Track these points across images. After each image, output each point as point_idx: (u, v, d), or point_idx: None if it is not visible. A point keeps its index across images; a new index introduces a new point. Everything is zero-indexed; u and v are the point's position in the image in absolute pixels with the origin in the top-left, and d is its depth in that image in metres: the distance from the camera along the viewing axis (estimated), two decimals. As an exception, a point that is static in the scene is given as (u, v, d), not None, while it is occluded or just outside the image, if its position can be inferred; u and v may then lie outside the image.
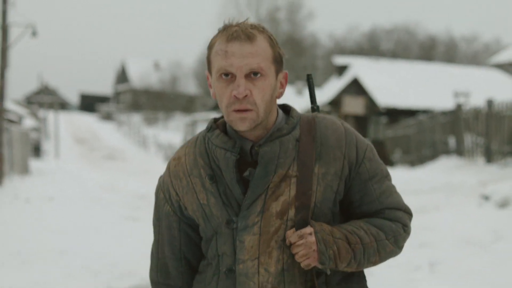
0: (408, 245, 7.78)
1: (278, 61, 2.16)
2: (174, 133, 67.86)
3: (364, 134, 36.34)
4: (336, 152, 2.19)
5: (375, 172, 2.23)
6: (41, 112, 65.96)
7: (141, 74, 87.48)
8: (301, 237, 2.10)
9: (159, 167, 35.15)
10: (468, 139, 21.47)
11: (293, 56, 75.45)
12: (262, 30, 2.14)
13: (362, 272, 2.30)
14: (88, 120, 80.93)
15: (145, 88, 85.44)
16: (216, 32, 2.19)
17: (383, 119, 34.97)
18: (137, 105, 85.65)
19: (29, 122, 50.99)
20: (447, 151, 23.21)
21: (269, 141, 2.15)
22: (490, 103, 20.16)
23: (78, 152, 47.93)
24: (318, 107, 2.43)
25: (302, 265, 2.12)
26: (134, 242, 10.27)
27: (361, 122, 37.13)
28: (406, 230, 2.25)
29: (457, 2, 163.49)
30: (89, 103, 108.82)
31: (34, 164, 30.34)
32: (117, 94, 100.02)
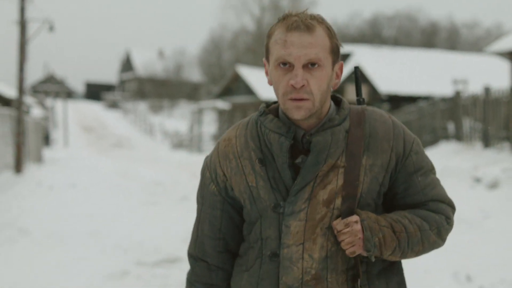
0: None
1: (335, 52, 2.17)
2: (179, 120, 68.53)
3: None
4: (384, 144, 2.21)
5: (420, 165, 2.25)
6: (48, 101, 66.71)
7: (146, 63, 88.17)
8: (347, 225, 2.12)
9: (166, 155, 36.05)
10: (467, 125, 22.21)
11: None
12: (321, 21, 2.15)
13: (400, 264, 2.33)
14: (94, 109, 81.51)
15: (150, 76, 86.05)
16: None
17: (386, 106, 35.75)
18: (142, 93, 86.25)
19: (37, 112, 51.77)
20: (446, 137, 23.93)
21: (321, 131, 2.17)
22: (487, 90, 20.93)
23: (86, 140, 48.67)
24: (363, 99, 2.45)
25: (347, 252, 2.14)
26: (156, 223, 11.20)
27: (362, 110, 37.89)
28: (449, 222, 2.27)
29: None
30: (94, 92, 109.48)
31: (45, 153, 31.24)
32: (122, 83, 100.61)
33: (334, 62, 2.17)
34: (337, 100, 2.30)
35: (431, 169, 2.27)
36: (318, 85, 2.10)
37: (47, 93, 77.37)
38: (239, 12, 79.88)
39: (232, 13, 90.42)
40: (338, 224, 2.12)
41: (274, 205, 2.18)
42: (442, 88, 33.93)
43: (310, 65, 2.09)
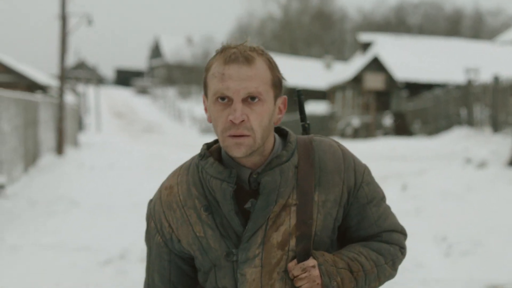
0: (401, 196, 10.56)
1: (277, 85, 2.06)
2: (207, 106, 69.95)
3: (386, 108, 38.55)
4: (335, 177, 2.11)
5: (373, 195, 2.18)
6: (80, 87, 68.54)
7: (174, 49, 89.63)
8: (304, 270, 2.04)
9: (195, 140, 37.54)
10: (478, 112, 23.58)
11: (322, 30, 76.93)
12: (261, 52, 2.05)
13: None
14: (124, 95, 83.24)
15: (178, 62, 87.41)
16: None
17: (404, 93, 37.09)
18: (171, 79, 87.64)
19: (69, 98, 53.51)
20: (459, 122, 25.24)
21: (269, 170, 2.05)
22: (496, 79, 22.31)
23: (117, 125, 50.25)
24: (309, 124, 2.37)
25: None
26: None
27: (381, 97, 39.35)
28: (403, 252, 2.22)
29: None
30: (124, 78, 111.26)
31: (80, 137, 33.04)
32: (152, 69, 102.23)
33: (276, 96, 2.06)
34: (282, 132, 2.19)
35: (382, 198, 2.21)
36: (259, 120, 1.99)
37: (77, 79, 79.24)
38: (266, 0, 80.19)
39: (259, 1, 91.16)
40: (295, 269, 2.04)
41: (226, 254, 2.06)
42: (458, 76, 35.15)
43: (250, 99, 1.98)
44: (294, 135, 2.17)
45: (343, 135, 36.71)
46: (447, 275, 7.32)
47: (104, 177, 15.71)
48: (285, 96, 2.14)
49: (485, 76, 28.32)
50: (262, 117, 2.00)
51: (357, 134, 35.41)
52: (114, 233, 9.50)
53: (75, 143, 28.78)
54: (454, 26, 75.49)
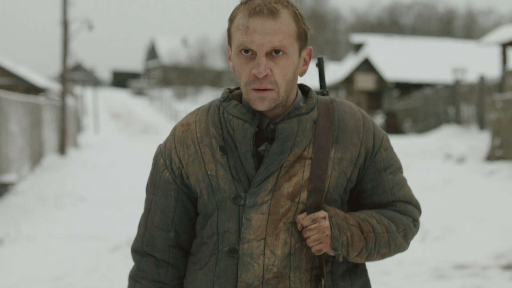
0: None
1: (302, 38, 2.02)
2: (203, 107, 70.64)
3: (377, 107, 39.49)
4: (354, 137, 2.08)
5: (390, 162, 2.14)
6: (77, 89, 69.13)
7: (170, 51, 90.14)
8: (314, 220, 1.97)
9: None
10: (465, 110, 24.45)
11: (316, 30, 77.66)
12: (286, 4, 1.98)
13: (365, 266, 2.20)
14: (121, 96, 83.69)
15: (174, 64, 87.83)
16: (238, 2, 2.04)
17: (395, 93, 38.01)
18: (167, 80, 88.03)
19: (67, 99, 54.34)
20: (448, 121, 26.12)
21: (287, 119, 2.02)
22: (482, 79, 23.21)
23: (115, 126, 50.77)
24: (327, 92, 2.31)
25: (313, 250, 2.00)
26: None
27: (373, 97, 40.31)
28: (416, 225, 2.17)
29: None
30: (121, 80, 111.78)
31: (79, 138, 33.86)
32: (148, 71, 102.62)
33: (301, 48, 2.03)
34: (304, 89, 2.16)
35: (399, 168, 2.17)
36: (283, 74, 1.96)
37: (74, 82, 79.81)
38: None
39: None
40: (304, 219, 1.99)
41: (234, 196, 2.02)
42: (447, 76, 36.11)
43: (274, 53, 1.95)
44: (316, 93, 2.15)
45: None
46: (420, 257, 8.18)
47: (107, 175, 16.59)
48: (311, 47, 2.10)
49: (472, 76, 29.20)
50: (286, 71, 1.97)
51: (349, 132, 36.13)
52: (119, 223, 10.37)
53: (75, 144, 29.58)
54: (446, 26, 76.39)
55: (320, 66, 2.34)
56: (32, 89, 41.34)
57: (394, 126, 33.97)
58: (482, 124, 22.63)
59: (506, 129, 13.10)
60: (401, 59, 40.98)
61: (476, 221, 9.35)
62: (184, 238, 2.17)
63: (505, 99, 13.52)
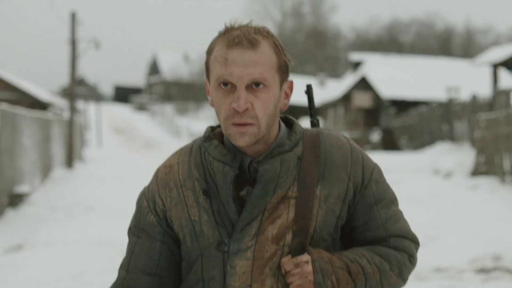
0: None
1: (283, 70, 1.95)
2: (204, 122, 71.42)
3: (374, 124, 40.44)
4: (341, 172, 1.99)
5: (381, 195, 2.05)
6: (80, 104, 69.87)
7: (172, 66, 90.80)
8: (297, 265, 1.91)
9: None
10: (458, 128, 25.29)
11: (316, 47, 77.66)
12: (266, 35, 1.93)
13: None
14: (123, 111, 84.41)
15: (176, 79, 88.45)
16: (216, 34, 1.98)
17: (392, 110, 38.94)
18: (169, 96, 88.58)
19: (68, 114, 54.93)
20: (442, 137, 26.95)
21: (270, 158, 1.94)
22: (474, 98, 24.09)
23: (118, 141, 51.42)
24: (318, 120, 2.25)
25: None
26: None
27: (370, 114, 41.25)
28: (412, 261, 2.07)
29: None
30: (122, 95, 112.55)
31: (83, 152, 34.68)
32: (150, 86, 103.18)
33: (282, 81, 1.96)
34: (288, 122, 2.10)
35: (393, 200, 2.09)
36: (263, 108, 1.89)
37: (77, 96, 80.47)
38: (262, 18, 79.53)
39: (255, 19, 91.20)
40: (287, 264, 1.92)
41: (218, 243, 1.96)
42: (442, 94, 36.99)
43: (255, 86, 1.88)
44: (301, 126, 2.06)
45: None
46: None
47: (114, 187, 17.45)
48: (292, 80, 2.03)
49: (465, 94, 30.08)
50: (267, 104, 1.90)
51: (346, 149, 37.05)
52: (124, 235, 11.23)
53: (81, 158, 30.38)
54: (445, 44, 77.07)
55: (309, 93, 2.27)
56: (36, 104, 41.95)
57: (390, 143, 34.89)
58: (474, 141, 23.49)
59: (490, 146, 13.98)
60: (398, 77, 41.96)
61: (457, 230, 10.19)
62: (168, 282, 2.09)
63: (489, 119, 14.41)
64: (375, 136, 35.62)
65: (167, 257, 2.08)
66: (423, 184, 14.08)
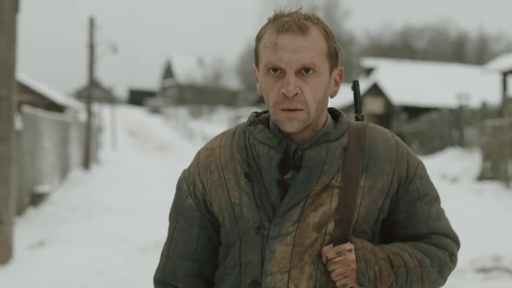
0: None
1: (333, 56, 1.95)
2: (218, 126, 71.77)
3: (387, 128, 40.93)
4: (385, 165, 1.99)
5: (425, 192, 2.04)
6: (96, 107, 70.31)
7: (186, 70, 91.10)
8: (339, 253, 1.90)
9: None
10: (468, 134, 25.64)
11: None
12: (316, 21, 1.92)
13: None
14: (137, 114, 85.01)
15: (190, 83, 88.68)
16: (264, 23, 1.98)
17: (404, 116, 39.35)
18: (183, 99, 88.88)
19: (83, 116, 55.50)
20: (452, 143, 27.36)
21: (316, 145, 1.93)
22: (484, 104, 24.46)
23: (132, 143, 51.89)
24: (363, 116, 2.24)
25: (337, 284, 1.92)
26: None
27: (382, 119, 41.68)
28: (453, 259, 2.06)
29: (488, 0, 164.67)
30: (137, 98, 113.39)
31: (99, 154, 35.22)
32: (164, 89, 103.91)
33: (332, 68, 1.96)
34: (335, 113, 2.09)
35: (436, 198, 2.08)
36: (313, 94, 1.88)
37: (92, 99, 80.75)
38: None
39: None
40: (329, 252, 1.90)
41: (257, 226, 1.94)
42: (453, 100, 37.38)
43: (304, 71, 1.87)
44: (347, 118, 2.06)
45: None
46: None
47: (130, 189, 17.97)
48: (341, 68, 2.04)
49: (476, 101, 30.43)
50: (317, 90, 1.90)
51: (357, 153, 37.63)
52: (145, 229, 11.70)
53: (96, 160, 30.95)
54: (458, 50, 77.14)
55: (356, 89, 2.28)
56: (53, 106, 42.40)
57: (402, 148, 35.17)
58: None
59: (495, 152, 14.39)
60: (410, 83, 42.38)
61: (460, 233, 10.56)
62: (207, 268, 2.10)
63: (494, 126, 14.84)
64: (387, 141, 35.97)
65: (205, 242, 2.07)
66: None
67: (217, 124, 74.25)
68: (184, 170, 2.15)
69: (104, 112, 71.36)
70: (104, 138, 55.82)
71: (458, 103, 29.71)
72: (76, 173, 22.20)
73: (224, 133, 2.12)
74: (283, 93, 1.86)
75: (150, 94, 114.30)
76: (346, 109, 46.11)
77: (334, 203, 1.93)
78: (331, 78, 1.97)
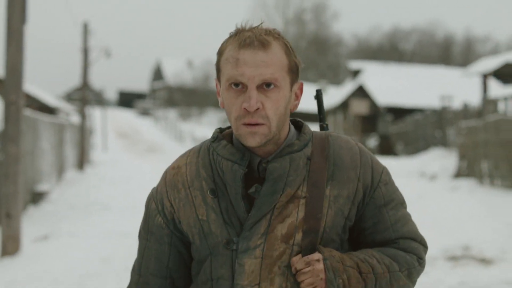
0: None
1: (293, 71, 1.98)
2: (207, 127, 72.14)
3: (372, 130, 41.79)
4: (350, 173, 2.02)
5: (390, 197, 2.07)
6: (86, 109, 70.56)
7: (175, 72, 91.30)
8: (308, 263, 1.92)
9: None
10: (450, 134, 26.49)
11: (318, 55, 77.54)
12: (277, 36, 1.96)
13: None
14: (127, 116, 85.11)
15: (179, 85, 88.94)
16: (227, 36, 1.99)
17: (389, 117, 40.26)
18: (172, 101, 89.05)
19: (75, 119, 55.85)
20: (436, 143, 28.29)
21: (279, 157, 1.97)
22: (465, 106, 25.33)
23: (122, 145, 52.10)
24: (327, 125, 2.29)
25: None
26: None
27: (367, 121, 42.64)
28: (421, 263, 2.09)
29: (475, 2, 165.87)
30: (126, 100, 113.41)
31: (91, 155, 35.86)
32: (153, 91, 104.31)
33: (292, 82, 1.99)
34: (298, 124, 2.11)
35: (402, 203, 2.12)
36: (274, 108, 1.91)
37: (83, 101, 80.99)
38: (264, 25, 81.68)
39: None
40: (298, 263, 1.93)
41: (226, 241, 1.97)
42: (437, 101, 38.31)
43: (265, 86, 1.91)
44: (310, 128, 2.09)
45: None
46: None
47: (124, 188, 18.74)
48: (302, 82, 2.06)
49: (458, 102, 31.34)
50: (278, 105, 1.93)
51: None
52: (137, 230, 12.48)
53: (89, 161, 31.64)
54: (444, 52, 78.08)
55: (319, 98, 2.30)
56: (44, 109, 42.83)
57: (387, 148, 36.14)
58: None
59: (469, 151, 15.28)
60: (395, 85, 43.32)
61: (435, 226, 11.46)
62: (179, 284, 2.14)
63: (469, 127, 15.74)
64: (372, 141, 36.91)
65: (176, 259, 2.11)
66: (410, 185, 15.36)
67: (206, 126, 74.62)
68: (153, 188, 2.20)
69: (95, 114, 71.69)
70: (95, 139, 56.20)
71: (441, 104, 30.58)
72: (71, 173, 22.96)
73: (189, 151, 2.16)
74: (244, 108, 1.90)
75: (139, 96, 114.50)
76: (333, 110, 47.08)
77: (301, 214, 1.96)
78: (291, 93, 2.01)
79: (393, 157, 30.85)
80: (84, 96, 25.30)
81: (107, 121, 66.82)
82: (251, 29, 1.96)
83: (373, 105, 42.37)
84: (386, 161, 26.26)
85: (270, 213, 1.95)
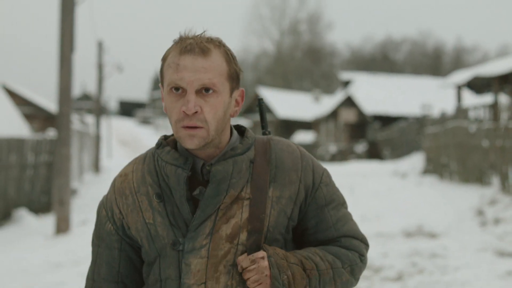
0: (349, 195, 17.14)
1: (233, 78, 2.03)
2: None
3: (360, 137, 44.48)
4: (292, 175, 2.09)
5: (331, 198, 2.15)
6: (89, 118, 72.08)
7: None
8: (253, 261, 2.00)
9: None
10: (427, 140, 29.10)
11: (313, 64, 79.43)
12: (218, 44, 2.02)
13: None
14: (128, 125, 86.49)
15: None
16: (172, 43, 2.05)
17: (377, 125, 42.93)
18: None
19: (78, 127, 57.52)
20: (417, 148, 30.82)
21: (222, 160, 2.03)
22: (442, 114, 27.89)
23: (124, 152, 53.43)
24: (270, 132, 2.33)
25: None
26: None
27: (356, 128, 45.38)
28: (362, 260, 2.17)
29: (466, 12, 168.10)
30: (127, 109, 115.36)
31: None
32: (153, 100, 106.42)
33: (232, 89, 2.04)
34: (241, 129, 2.19)
35: (342, 203, 2.19)
36: (213, 112, 1.97)
37: (81, 110, 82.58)
38: (260, 36, 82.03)
39: (254, 37, 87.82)
40: (244, 261, 2.00)
41: (173, 242, 2.03)
42: (419, 110, 40.98)
43: (204, 91, 1.96)
44: (252, 133, 2.16)
45: (322, 159, 42.42)
46: (358, 231, 12.99)
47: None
48: (243, 89, 2.10)
49: (437, 111, 34.00)
50: (217, 109, 1.97)
51: (333, 158, 41.38)
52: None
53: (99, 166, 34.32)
54: (434, 62, 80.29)
55: (261, 107, 2.37)
56: (51, 118, 44.75)
57: (376, 154, 38.75)
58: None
59: (433, 153, 18.14)
60: (383, 95, 46.06)
61: (398, 212, 14.18)
62: (131, 287, 2.20)
63: (433, 133, 18.63)
64: (360, 148, 39.50)
65: (127, 264, 2.17)
66: (383, 182, 18.15)
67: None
68: (103, 196, 2.24)
69: (93, 122, 73.15)
70: (100, 147, 58.09)
71: (422, 112, 33.16)
72: (89, 175, 25.65)
73: (136, 158, 2.21)
74: (183, 111, 1.95)
75: (139, 105, 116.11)
76: (325, 118, 49.52)
77: (245, 214, 2.03)
78: (231, 99, 2.05)
79: (379, 161, 33.43)
80: (99, 107, 28.05)
81: (112, 130, 68.80)
82: (194, 36, 2.02)
83: (360, 114, 45.07)
84: (370, 165, 28.95)
85: (214, 214, 2.02)
